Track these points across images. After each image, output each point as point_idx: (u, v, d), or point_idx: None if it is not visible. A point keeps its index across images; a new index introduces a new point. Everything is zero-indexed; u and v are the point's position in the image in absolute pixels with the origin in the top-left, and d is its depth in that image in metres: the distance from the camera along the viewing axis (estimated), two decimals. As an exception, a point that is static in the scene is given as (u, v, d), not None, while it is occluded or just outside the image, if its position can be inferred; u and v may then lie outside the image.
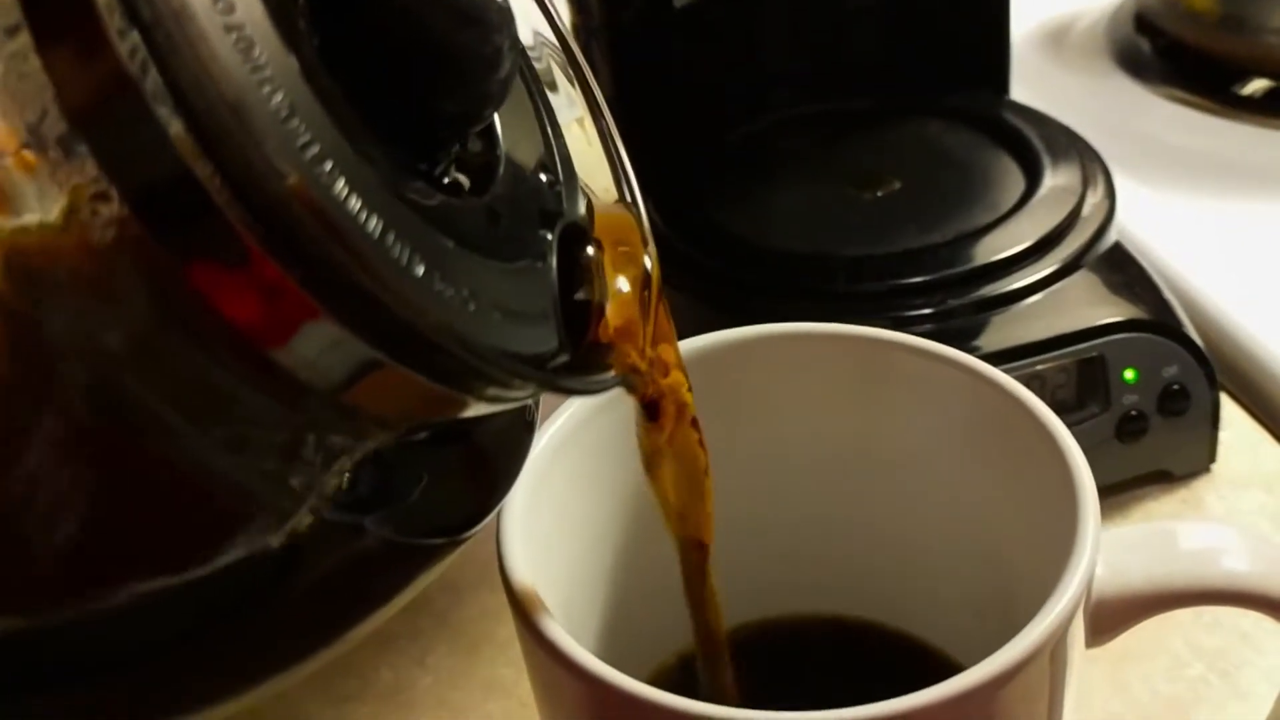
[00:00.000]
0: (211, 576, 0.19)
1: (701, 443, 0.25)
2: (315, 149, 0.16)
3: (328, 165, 0.16)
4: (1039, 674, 0.21)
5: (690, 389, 0.25)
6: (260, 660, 0.21)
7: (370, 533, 0.20)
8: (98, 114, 0.16)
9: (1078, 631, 0.22)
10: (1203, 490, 0.41)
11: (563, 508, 0.27)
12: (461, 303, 0.18)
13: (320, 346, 0.17)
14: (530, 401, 0.24)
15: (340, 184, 0.16)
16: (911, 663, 0.31)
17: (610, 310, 0.22)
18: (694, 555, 0.27)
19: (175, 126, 0.15)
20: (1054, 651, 0.21)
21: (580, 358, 0.22)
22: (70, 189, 0.16)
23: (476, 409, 0.19)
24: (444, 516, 0.22)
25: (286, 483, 0.18)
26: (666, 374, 0.24)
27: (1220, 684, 0.35)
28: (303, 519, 0.19)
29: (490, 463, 0.23)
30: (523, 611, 0.23)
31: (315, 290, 0.16)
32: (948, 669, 0.30)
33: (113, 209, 0.16)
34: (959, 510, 0.29)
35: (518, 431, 0.24)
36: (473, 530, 0.23)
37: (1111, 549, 0.23)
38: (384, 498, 0.20)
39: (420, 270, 0.17)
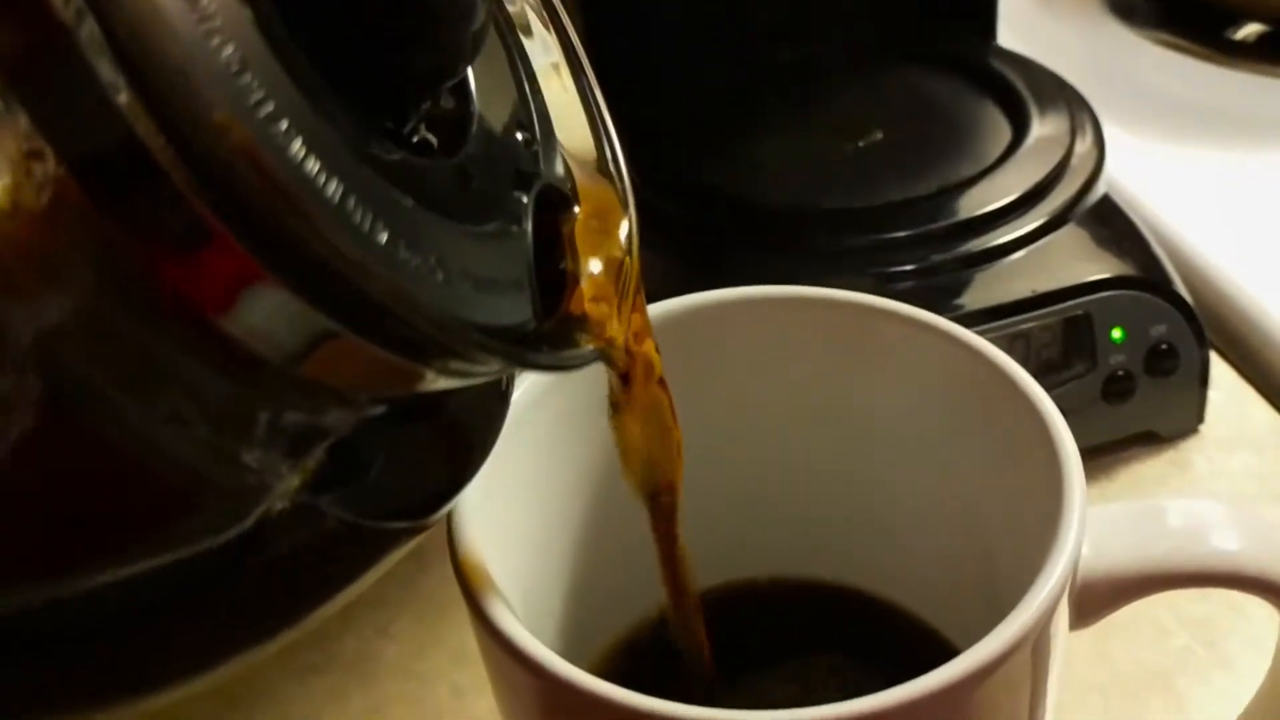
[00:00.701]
0: (167, 558, 0.17)
1: (669, 397, 0.24)
2: (269, 106, 0.15)
3: (283, 124, 0.15)
4: (1021, 664, 0.20)
5: (658, 350, 0.24)
6: (224, 640, 0.20)
7: (332, 514, 0.19)
8: (29, 65, 0.14)
9: (1062, 617, 0.21)
10: (1190, 451, 0.40)
11: (522, 481, 0.26)
12: (428, 271, 0.17)
13: (272, 316, 0.16)
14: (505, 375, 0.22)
15: (297, 144, 0.15)
16: (888, 627, 0.30)
17: (588, 281, 0.21)
18: (663, 499, 0.26)
19: (114, 80, 0.14)
20: (1037, 641, 0.20)
21: (555, 330, 0.20)
22: (2, 147, 0.15)
23: (444, 384, 0.18)
24: (411, 496, 0.21)
25: (240, 461, 0.17)
26: (640, 343, 0.23)
27: (1205, 654, 0.35)
28: (260, 500, 0.18)
29: (461, 437, 0.22)
30: (473, 596, 0.21)
31: (268, 259, 0.15)
32: (925, 635, 0.30)
33: (48, 169, 0.14)
34: (939, 477, 0.28)
35: (491, 402, 0.23)
36: (442, 510, 0.22)
37: (1097, 527, 0.22)
38: (346, 477, 0.19)
39: (384, 237, 0.16)
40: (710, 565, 0.29)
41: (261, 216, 0.15)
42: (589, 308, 0.21)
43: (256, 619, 0.20)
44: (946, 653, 0.29)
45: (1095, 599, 0.22)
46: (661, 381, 0.24)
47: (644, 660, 0.30)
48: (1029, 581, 0.20)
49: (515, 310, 0.19)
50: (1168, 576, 0.22)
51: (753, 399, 0.30)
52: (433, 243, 0.17)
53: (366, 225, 0.16)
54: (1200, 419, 0.40)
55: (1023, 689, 0.21)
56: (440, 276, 0.17)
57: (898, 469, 0.29)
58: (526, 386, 0.26)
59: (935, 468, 0.28)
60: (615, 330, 0.22)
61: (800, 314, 0.28)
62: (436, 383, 0.18)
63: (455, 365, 0.18)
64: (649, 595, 0.29)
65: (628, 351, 0.22)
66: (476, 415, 0.22)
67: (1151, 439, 0.40)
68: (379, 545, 0.20)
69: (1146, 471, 0.40)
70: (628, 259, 0.22)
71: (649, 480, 0.25)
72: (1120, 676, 0.34)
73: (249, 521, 0.18)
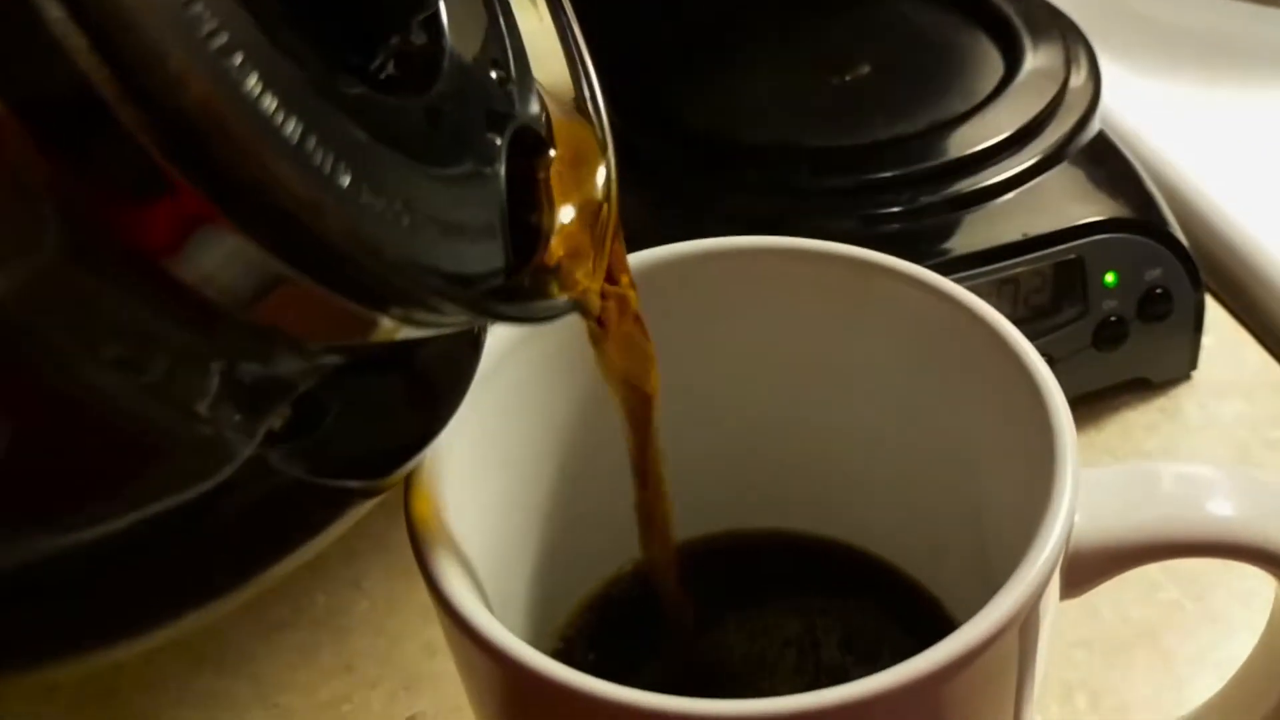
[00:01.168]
0: (120, 511, 0.17)
1: (644, 329, 0.23)
2: (222, 39, 0.14)
3: (237, 58, 0.14)
4: (1009, 643, 0.19)
5: (634, 285, 0.23)
6: (180, 595, 0.19)
7: (288, 470, 0.18)
8: None
9: (1052, 591, 0.20)
10: (1182, 398, 0.39)
11: (489, 434, 0.25)
12: (393, 216, 0.16)
13: (226, 261, 0.15)
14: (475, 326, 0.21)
15: (252, 80, 0.14)
16: (871, 581, 0.29)
17: (562, 231, 0.20)
18: (639, 411, 0.25)
19: (54, 11, 0.13)
20: (1026, 619, 0.19)
21: (526, 280, 0.19)
22: None
23: (407, 334, 0.17)
24: (372, 452, 0.20)
25: (194, 413, 0.16)
26: (616, 281, 0.22)
27: (1193, 608, 0.34)
28: (215, 454, 0.17)
29: (427, 391, 0.21)
30: (426, 563, 0.20)
31: (221, 201, 0.14)
32: (909, 590, 0.29)
33: None
34: (926, 433, 0.27)
35: (461, 354, 0.22)
36: (404, 468, 0.21)
37: (1088, 492, 0.21)
38: (304, 432, 0.18)
39: (345, 179, 0.15)
40: (693, 517, 0.29)
41: (213, 157, 0.14)
42: (563, 260, 0.20)
43: (213, 575, 0.19)
44: (930, 608, 0.29)
45: (1086, 569, 0.21)
46: (637, 318, 0.23)
47: (619, 615, 0.29)
48: (1019, 552, 0.19)
49: (485, 258, 0.18)
50: (1162, 546, 0.21)
51: (734, 350, 0.28)
52: (398, 185, 0.16)
53: (327, 166, 0.15)
54: (1193, 365, 0.39)
55: (1010, 667, 0.20)
56: (406, 221, 0.16)
57: (885, 423, 0.28)
58: (498, 335, 0.25)
59: (922, 423, 0.27)
60: (589, 281, 0.21)
61: (785, 265, 0.27)
62: (399, 333, 0.17)
63: (419, 315, 0.17)
64: (624, 550, 0.28)
65: (603, 295, 0.21)
66: (444, 368, 0.21)
67: (1142, 385, 0.39)
68: (337, 503, 0.19)
69: (1136, 419, 0.39)
70: (605, 206, 0.21)
71: (627, 392, 0.24)
72: (1106, 631, 0.33)
73: (203, 476, 0.17)
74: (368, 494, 0.20)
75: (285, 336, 0.16)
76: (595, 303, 0.21)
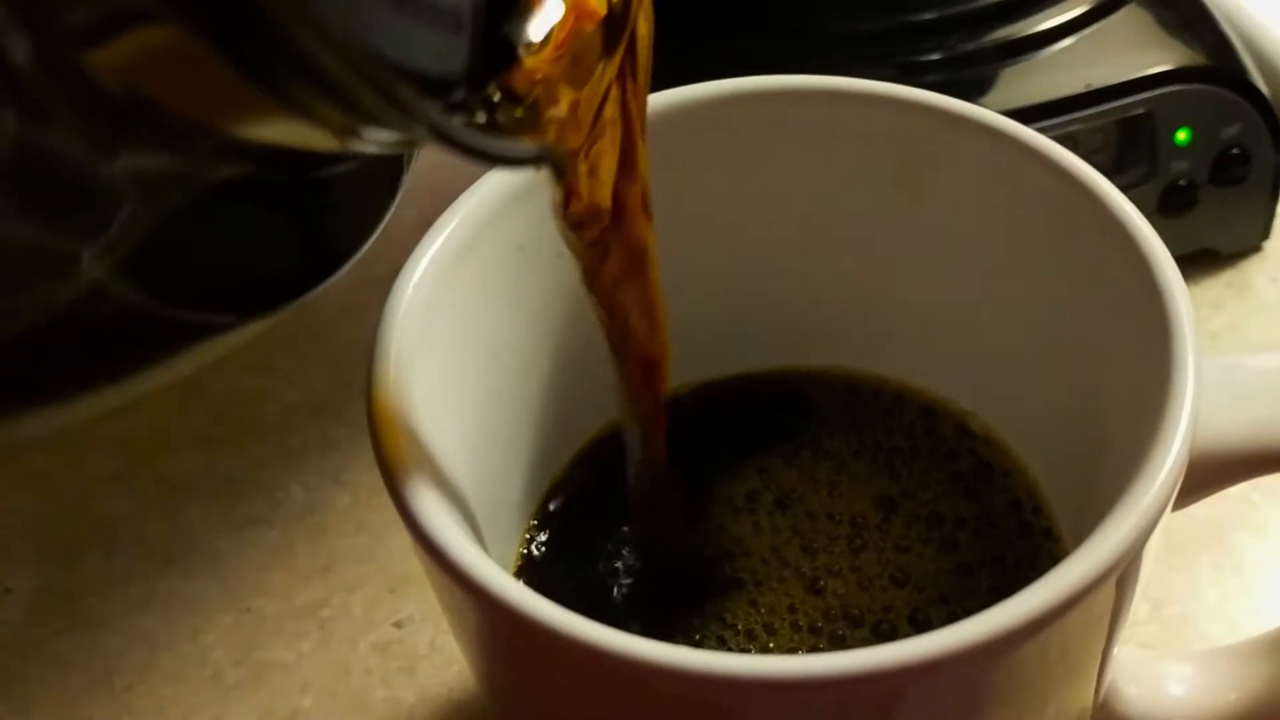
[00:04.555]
0: None
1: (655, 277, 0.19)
2: None
3: None
4: (1106, 592, 0.15)
5: (648, 209, 0.18)
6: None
7: (129, 296, 0.14)
8: None
9: (1165, 513, 0.16)
10: (1252, 271, 0.35)
11: (466, 313, 0.21)
12: None
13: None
14: (403, 152, 0.17)
15: None
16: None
17: (551, 41, 0.15)
18: (641, 375, 0.21)
19: None
20: (1130, 563, 0.15)
21: (489, 102, 0.15)
22: None
23: (305, 139, 0.13)
24: (234, 287, 0.16)
25: (26, 216, 0.13)
26: (626, 190, 0.18)
27: (1265, 504, 0.30)
28: (47, 270, 0.13)
29: (319, 227, 0.16)
30: (392, 478, 0.17)
31: None
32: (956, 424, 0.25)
33: None
34: (1010, 295, 0.23)
35: (372, 190, 0.17)
36: (270, 311, 0.16)
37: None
38: (155, 249, 0.14)
39: None
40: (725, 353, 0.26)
41: None
42: (542, 79, 0.15)
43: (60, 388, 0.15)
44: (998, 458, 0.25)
45: (1200, 478, 0.17)
46: (641, 258, 0.18)
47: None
48: (1129, 470, 0.16)
49: (444, 55, 0.14)
50: (1286, 453, 0.18)
51: (757, 211, 0.25)
52: None
53: None
54: (1265, 235, 0.35)
55: (1127, 598, 0.17)
56: None
57: (968, 293, 0.24)
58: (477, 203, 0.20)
59: (1006, 284, 0.23)
60: (572, 136, 0.16)
61: (820, 108, 0.23)
62: (294, 136, 0.13)
63: (332, 112, 0.12)
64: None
65: (590, 174, 0.17)
66: (345, 203, 0.17)
67: (1208, 257, 0.35)
68: (185, 336, 0.15)
69: (1201, 295, 0.35)
70: (623, 37, 0.16)
71: (631, 351, 0.20)
72: (1170, 531, 0.30)
73: (37, 294, 0.13)
74: (222, 329, 0.16)
75: (150, 117, 0.12)
76: (573, 168, 0.17)
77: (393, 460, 0.17)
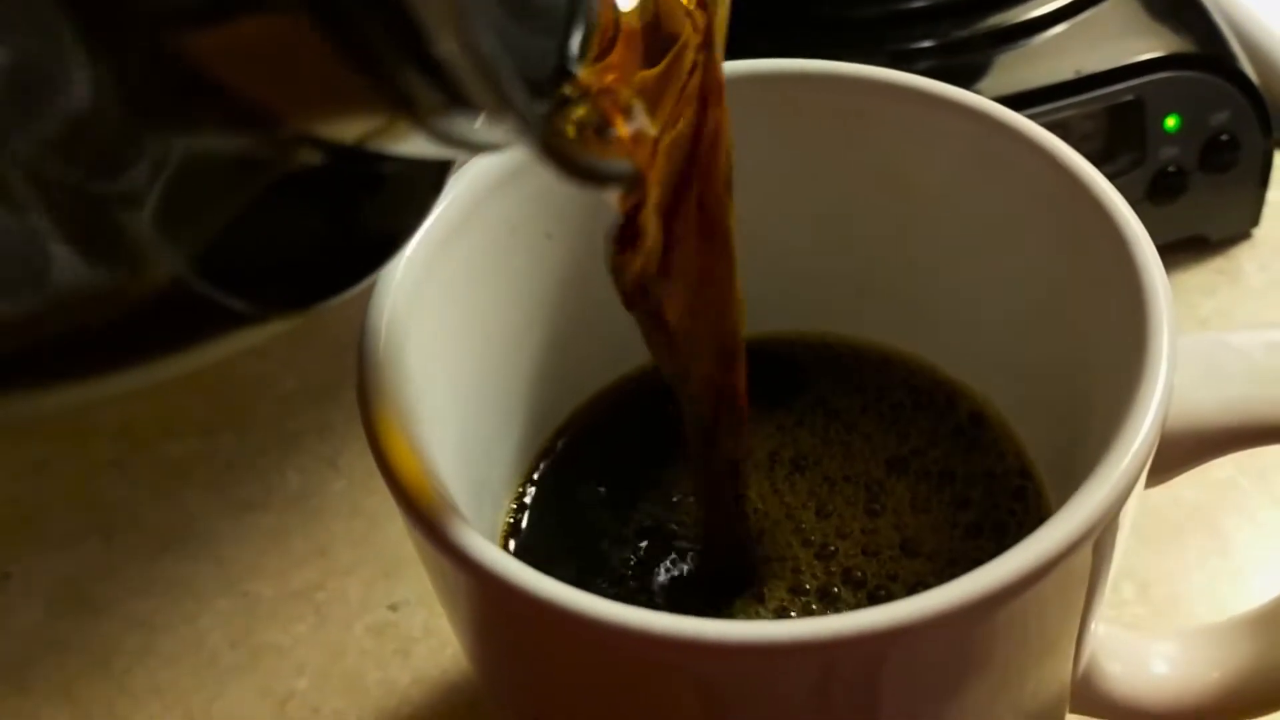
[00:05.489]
0: None
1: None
2: None
3: None
4: (1083, 558, 0.16)
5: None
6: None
7: (184, 272, 0.14)
8: None
9: (1139, 487, 0.17)
10: (1242, 258, 0.35)
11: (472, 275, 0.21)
12: None
13: None
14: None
15: None
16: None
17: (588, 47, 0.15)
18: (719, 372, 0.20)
19: None
20: (1106, 526, 0.16)
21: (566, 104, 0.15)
22: None
23: (402, 142, 0.13)
24: (294, 273, 0.16)
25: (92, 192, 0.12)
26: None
27: (1252, 487, 0.31)
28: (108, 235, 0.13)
29: (374, 220, 0.16)
30: (382, 456, 0.17)
31: None
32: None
33: None
34: (997, 275, 0.23)
35: (419, 188, 0.17)
36: (316, 302, 0.16)
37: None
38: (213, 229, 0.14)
39: None
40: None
41: None
42: (600, 91, 0.15)
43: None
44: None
45: (1170, 458, 0.18)
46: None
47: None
48: (1105, 439, 0.16)
49: (538, 56, 0.14)
50: (1261, 430, 0.18)
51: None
52: None
53: None
54: (1255, 221, 0.36)
55: (1084, 576, 0.17)
56: None
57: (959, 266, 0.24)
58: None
59: (1003, 268, 0.23)
60: (637, 149, 0.15)
61: (803, 92, 0.23)
62: (395, 139, 0.13)
63: (443, 121, 0.12)
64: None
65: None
66: (403, 194, 0.16)
67: (1198, 244, 0.35)
68: (218, 322, 0.15)
69: (1191, 281, 0.35)
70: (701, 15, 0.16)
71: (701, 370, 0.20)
72: (1155, 513, 0.30)
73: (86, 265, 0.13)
74: (254, 320, 0.16)
75: (229, 101, 0.12)
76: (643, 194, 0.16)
77: (383, 437, 0.17)
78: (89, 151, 0.12)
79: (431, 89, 0.12)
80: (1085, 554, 0.15)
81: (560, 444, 0.25)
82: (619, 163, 0.15)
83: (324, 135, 0.13)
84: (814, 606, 0.22)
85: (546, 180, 0.22)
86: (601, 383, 0.25)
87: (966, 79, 0.33)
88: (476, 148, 0.14)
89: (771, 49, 0.33)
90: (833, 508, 0.24)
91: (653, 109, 0.16)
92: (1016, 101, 0.32)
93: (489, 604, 0.16)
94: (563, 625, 0.15)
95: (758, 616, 0.22)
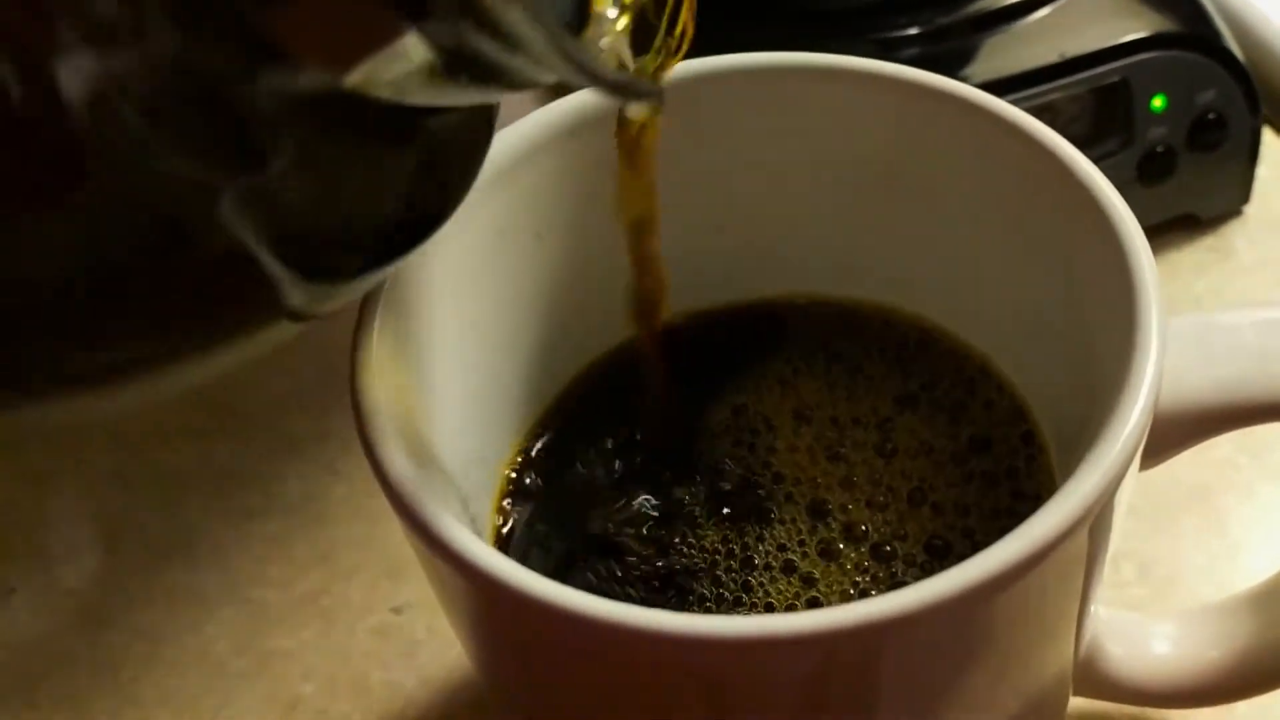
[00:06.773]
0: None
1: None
2: None
3: None
4: (1080, 540, 0.16)
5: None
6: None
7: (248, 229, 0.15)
8: None
9: (1133, 470, 0.17)
10: (1233, 235, 0.36)
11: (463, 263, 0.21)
12: None
13: None
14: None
15: None
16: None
17: None
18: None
19: None
20: (1100, 514, 0.16)
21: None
22: None
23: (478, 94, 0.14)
24: (364, 230, 0.16)
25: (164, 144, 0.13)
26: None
27: (1250, 466, 0.31)
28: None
29: (438, 168, 0.17)
30: (374, 450, 0.17)
31: None
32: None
33: None
34: (990, 257, 0.23)
35: (476, 131, 0.18)
36: (389, 260, 0.17)
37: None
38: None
39: None
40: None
41: None
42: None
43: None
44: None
45: (1164, 438, 0.18)
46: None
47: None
48: (1101, 413, 0.16)
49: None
50: (1254, 408, 0.18)
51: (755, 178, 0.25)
52: None
53: None
54: (1245, 199, 0.36)
55: (1087, 565, 0.17)
56: None
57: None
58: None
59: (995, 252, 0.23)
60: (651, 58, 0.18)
61: (798, 85, 0.23)
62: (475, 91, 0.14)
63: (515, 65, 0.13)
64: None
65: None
66: (460, 140, 0.17)
67: (1189, 223, 0.36)
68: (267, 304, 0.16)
69: (1183, 260, 0.35)
70: None
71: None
72: (1153, 493, 0.30)
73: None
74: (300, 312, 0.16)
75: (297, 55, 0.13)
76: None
77: (378, 443, 0.17)
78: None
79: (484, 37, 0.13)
80: (1081, 538, 0.15)
81: (550, 442, 0.25)
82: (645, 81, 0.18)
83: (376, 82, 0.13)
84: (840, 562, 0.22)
85: (535, 181, 0.22)
86: (593, 384, 0.26)
87: (952, 65, 0.33)
88: (517, 84, 0.15)
89: (755, 41, 0.33)
90: (842, 450, 0.24)
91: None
92: (1002, 86, 0.32)
93: (487, 606, 0.16)
94: (561, 625, 0.15)
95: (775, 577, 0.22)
